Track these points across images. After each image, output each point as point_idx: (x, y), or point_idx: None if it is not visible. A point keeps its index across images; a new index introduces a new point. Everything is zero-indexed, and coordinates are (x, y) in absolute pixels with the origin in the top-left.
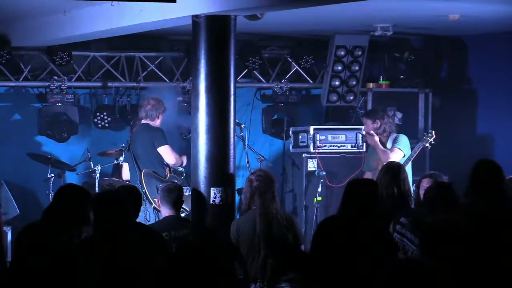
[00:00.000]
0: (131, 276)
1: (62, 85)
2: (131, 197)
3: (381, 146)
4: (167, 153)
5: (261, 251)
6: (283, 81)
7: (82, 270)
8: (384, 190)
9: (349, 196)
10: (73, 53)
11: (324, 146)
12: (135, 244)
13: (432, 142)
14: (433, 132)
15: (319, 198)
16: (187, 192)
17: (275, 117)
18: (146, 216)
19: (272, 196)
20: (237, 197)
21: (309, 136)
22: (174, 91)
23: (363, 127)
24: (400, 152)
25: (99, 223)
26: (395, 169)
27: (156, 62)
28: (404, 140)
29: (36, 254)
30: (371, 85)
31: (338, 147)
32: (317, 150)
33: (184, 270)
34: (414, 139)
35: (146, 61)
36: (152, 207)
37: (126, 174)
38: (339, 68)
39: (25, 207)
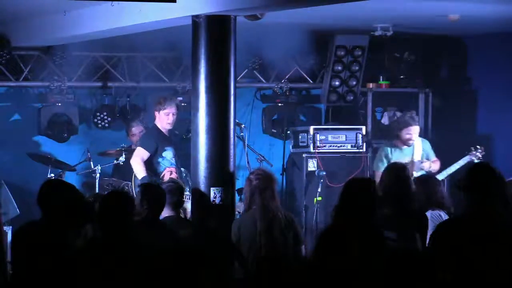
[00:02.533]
0: (133, 277)
1: (62, 85)
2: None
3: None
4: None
5: (262, 250)
6: (283, 81)
7: (84, 270)
8: (388, 190)
9: (347, 196)
10: (73, 53)
11: (324, 146)
12: (137, 244)
13: (480, 158)
14: (483, 148)
15: (319, 198)
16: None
17: (275, 117)
18: None
19: (272, 194)
20: (237, 197)
21: (309, 136)
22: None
23: (363, 127)
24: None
25: (105, 222)
26: (400, 169)
27: (156, 62)
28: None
29: (38, 254)
30: (371, 85)
31: (338, 147)
32: (317, 150)
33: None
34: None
35: (146, 61)
36: None
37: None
38: (339, 68)
39: (25, 207)
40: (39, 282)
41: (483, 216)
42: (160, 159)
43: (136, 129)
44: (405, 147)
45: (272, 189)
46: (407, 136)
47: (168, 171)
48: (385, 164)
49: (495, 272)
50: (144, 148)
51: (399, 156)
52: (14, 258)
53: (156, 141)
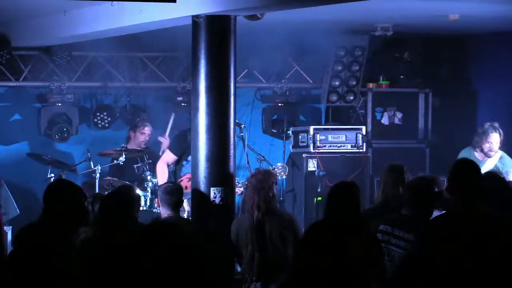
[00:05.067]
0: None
1: (62, 85)
2: (134, 197)
3: None
4: None
5: (249, 246)
6: (283, 81)
7: (83, 271)
8: (390, 190)
9: (333, 199)
10: (73, 53)
11: (324, 146)
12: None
13: None
14: None
15: (319, 198)
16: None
17: (275, 117)
18: None
19: (269, 194)
20: (237, 197)
21: (309, 136)
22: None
23: (363, 127)
24: None
25: (104, 223)
26: (400, 169)
27: (156, 62)
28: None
29: (36, 254)
30: (371, 85)
31: (338, 147)
32: (317, 150)
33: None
34: (414, 139)
35: (146, 61)
36: None
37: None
38: (339, 68)
39: (25, 207)
40: (39, 282)
41: (469, 214)
42: (184, 162)
43: (149, 129)
44: (479, 158)
45: (270, 189)
46: (488, 146)
47: (186, 178)
48: None
49: (480, 271)
50: (173, 152)
51: None
52: (13, 258)
53: (187, 145)
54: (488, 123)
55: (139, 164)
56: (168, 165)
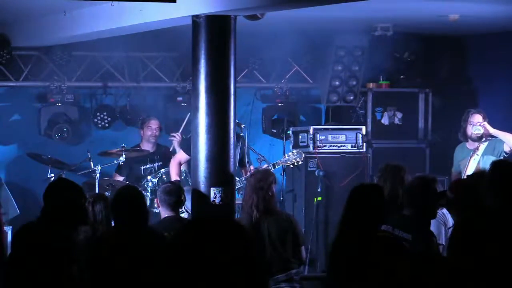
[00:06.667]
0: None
1: (62, 85)
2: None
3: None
4: None
5: None
6: (283, 81)
7: (89, 270)
8: (388, 191)
9: (350, 203)
10: (73, 53)
11: (324, 146)
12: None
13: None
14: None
15: (319, 198)
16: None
17: (275, 117)
18: None
19: (264, 193)
20: (237, 197)
21: (309, 136)
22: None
23: (363, 127)
24: None
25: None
26: (398, 169)
27: (156, 62)
28: None
29: (36, 254)
30: (371, 85)
31: (338, 147)
32: (317, 150)
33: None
34: (414, 139)
35: (146, 61)
36: None
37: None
38: (339, 68)
39: (25, 207)
40: (38, 282)
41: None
42: None
43: (155, 123)
44: (470, 148)
45: (269, 189)
46: (470, 128)
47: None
48: (454, 166)
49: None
50: (185, 151)
51: (460, 154)
52: (13, 258)
53: None
54: (473, 109)
55: (147, 166)
56: (180, 164)
